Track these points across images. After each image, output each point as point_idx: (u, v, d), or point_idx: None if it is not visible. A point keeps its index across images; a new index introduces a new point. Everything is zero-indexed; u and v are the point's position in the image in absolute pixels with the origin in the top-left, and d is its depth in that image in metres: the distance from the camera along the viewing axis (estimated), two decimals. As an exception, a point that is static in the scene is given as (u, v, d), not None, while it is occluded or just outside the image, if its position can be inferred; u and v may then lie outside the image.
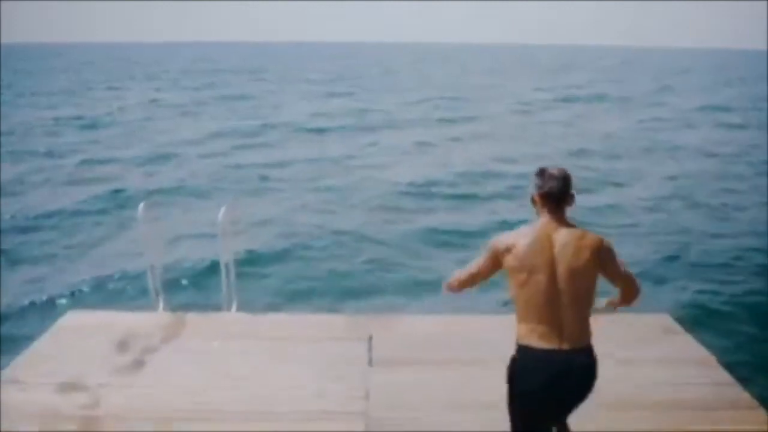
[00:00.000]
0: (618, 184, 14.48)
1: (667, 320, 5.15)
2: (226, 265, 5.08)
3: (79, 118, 26.38)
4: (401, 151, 18.88)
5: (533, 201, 2.76)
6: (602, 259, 2.68)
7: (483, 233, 9.63)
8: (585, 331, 2.70)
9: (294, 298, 7.73)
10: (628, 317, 5.35)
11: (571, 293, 2.63)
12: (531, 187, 2.73)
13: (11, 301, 7.55)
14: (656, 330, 4.96)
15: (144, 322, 4.92)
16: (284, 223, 11.10)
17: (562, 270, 2.63)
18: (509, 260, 2.67)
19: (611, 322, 5.11)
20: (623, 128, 24.21)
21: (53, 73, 56.13)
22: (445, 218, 11.17)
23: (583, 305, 2.68)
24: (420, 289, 7.79)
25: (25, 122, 24.80)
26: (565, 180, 2.70)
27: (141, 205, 4.95)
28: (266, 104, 31.83)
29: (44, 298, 7.77)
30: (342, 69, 67.74)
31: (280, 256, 9.15)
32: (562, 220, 2.70)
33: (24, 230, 10.70)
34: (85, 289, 8.12)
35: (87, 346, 4.51)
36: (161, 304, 5.15)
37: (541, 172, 2.73)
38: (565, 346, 2.63)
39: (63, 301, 7.62)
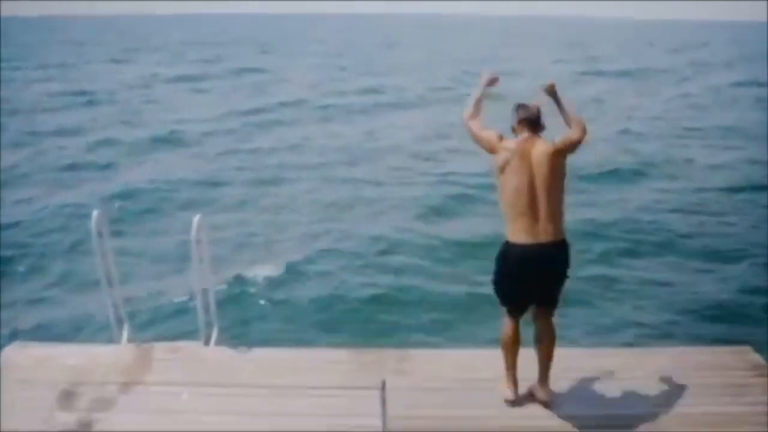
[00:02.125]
0: (671, 177, 12.93)
1: (748, 354, 4.13)
2: (203, 288, 4.10)
3: (79, 93, 25.30)
4: (422, 135, 17.30)
5: (514, 130, 3.46)
6: (565, 148, 3.36)
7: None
8: (559, 226, 3.32)
9: (307, 320, 6.76)
10: (700, 352, 4.37)
11: (547, 195, 3.26)
12: (511, 121, 3.46)
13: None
14: (738, 369, 3.95)
15: (102, 359, 3.95)
16: (300, 224, 9.93)
17: (539, 175, 3.25)
18: (497, 158, 3.33)
19: (677, 359, 4.16)
20: (659, 106, 22.75)
21: (55, 47, 54.57)
22: (482, 221, 9.69)
23: (557, 205, 3.30)
24: (457, 308, 6.84)
25: (25, 99, 23.73)
26: (538, 111, 3.45)
27: (94, 215, 3.93)
28: (273, 81, 30.36)
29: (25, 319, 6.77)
30: (346, 43, 65.69)
31: (293, 268, 8.03)
32: (537, 137, 3.38)
33: (12, 228, 9.64)
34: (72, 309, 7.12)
35: (24, 396, 3.55)
36: (125, 336, 4.17)
37: (518, 106, 3.49)
38: (542, 240, 3.26)
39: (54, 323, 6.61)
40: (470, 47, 58.98)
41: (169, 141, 16.50)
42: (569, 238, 3.36)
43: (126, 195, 11.34)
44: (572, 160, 3.60)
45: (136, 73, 32.57)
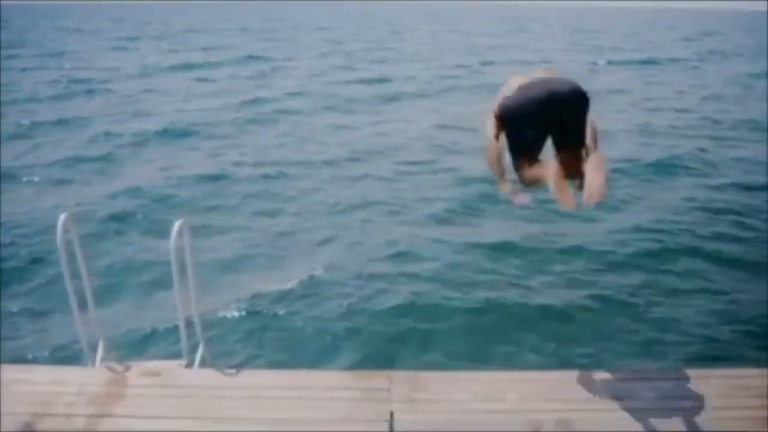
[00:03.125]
0: (699, 173, 12.08)
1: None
2: (185, 302, 3.61)
3: (77, 81, 24.76)
4: (433, 127, 16.38)
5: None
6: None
7: (574, 251, 7.88)
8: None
9: (317, 336, 6.16)
10: (752, 375, 3.85)
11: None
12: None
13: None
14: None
15: (69, 385, 3.46)
16: (307, 228, 9.12)
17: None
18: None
19: (727, 382, 3.66)
20: (678, 98, 21.90)
21: (53, 34, 53.77)
22: (504, 222, 8.97)
23: None
24: (476, 319, 6.28)
25: (22, 89, 23.13)
26: None
27: (61, 219, 3.43)
28: (276, 70, 29.55)
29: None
30: (350, 31, 64.64)
31: (301, 278, 7.28)
32: None
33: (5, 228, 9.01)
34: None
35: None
36: (98, 357, 3.68)
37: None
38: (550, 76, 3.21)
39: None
40: (476, 35, 57.89)
41: (170, 133, 15.87)
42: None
43: (123, 193, 10.72)
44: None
45: (137, 61, 31.91)
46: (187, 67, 29.94)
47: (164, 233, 8.55)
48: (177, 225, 3.50)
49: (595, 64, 32.38)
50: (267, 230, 9.09)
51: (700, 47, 46.08)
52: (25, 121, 17.20)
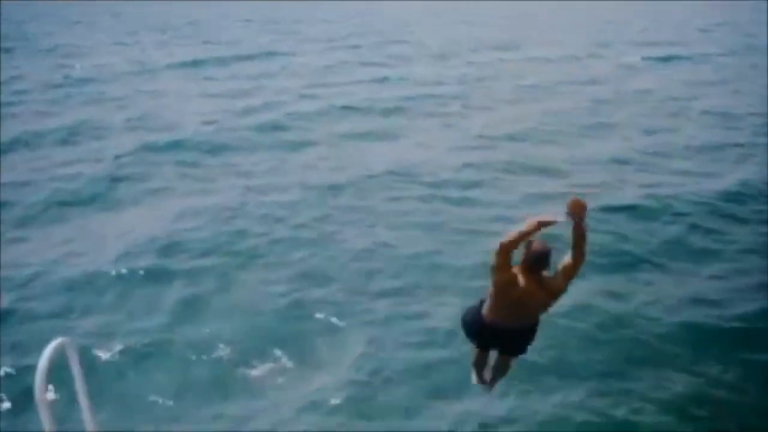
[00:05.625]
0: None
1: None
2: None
3: (76, 82, 23.39)
4: (480, 138, 14.38)
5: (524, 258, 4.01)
6: (568, 284, 3.98)
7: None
8: (536, 318, 4.00)
9: None
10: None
11: (533, 313, 4.01)
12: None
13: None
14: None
15: None
16: (326, 311, 7.05)
17: (532, 302, 3.90)
18: (503, 276, 3.90)
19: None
20: (723, 99, 20.22)
21: (56, 29, 51.98)
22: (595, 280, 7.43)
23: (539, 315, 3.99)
24: None
25: (21, 91, 21.74)
26: (547, 250, 3.86)
27: None
28: (279, 70, 27.68)
29: None
30: (356, 27, 62.50)
31: (325, 406, 5.40)
32: (541, 277, 4.06)
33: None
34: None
35: None
36: None
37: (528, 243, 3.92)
38: (514, 326, 3.91)
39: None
40: (484, 28, 55.56)
41: (170, 147, 14.38)
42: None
43: (104, 247, 8.88)
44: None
45: (136, 59, 30.22)
46: (190, 64, 28.38)
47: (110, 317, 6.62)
48: (52, 347, 2.11)
49: (622, 60, 30.64)
50: (273, 301, 7.23)
51: (721, 40, 43.92)
52: (18, 130, 15.90)
